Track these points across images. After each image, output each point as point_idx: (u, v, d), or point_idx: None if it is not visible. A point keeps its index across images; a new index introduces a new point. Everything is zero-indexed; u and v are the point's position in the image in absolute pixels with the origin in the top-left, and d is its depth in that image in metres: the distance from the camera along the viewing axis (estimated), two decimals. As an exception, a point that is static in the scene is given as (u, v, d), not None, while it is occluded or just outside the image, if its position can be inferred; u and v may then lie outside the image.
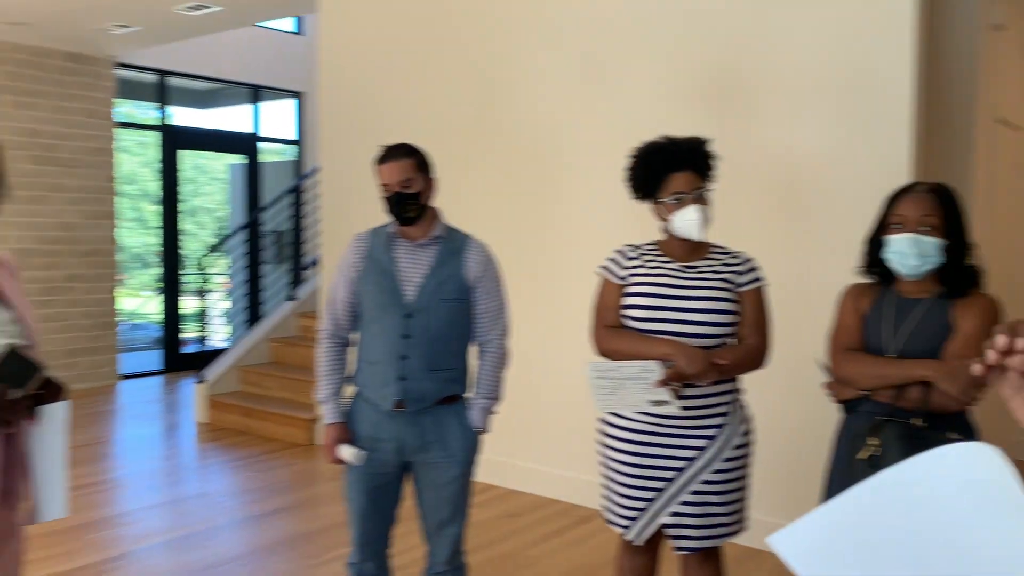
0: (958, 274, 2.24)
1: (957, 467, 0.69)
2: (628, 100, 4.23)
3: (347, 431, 2.61)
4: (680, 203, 2.46)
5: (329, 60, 5.58)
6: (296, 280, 7.52)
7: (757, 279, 2.52)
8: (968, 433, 2.18)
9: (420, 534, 2.71)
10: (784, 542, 0.81)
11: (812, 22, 3.71)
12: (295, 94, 9.34)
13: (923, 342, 2.21)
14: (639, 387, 2.37)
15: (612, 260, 2.60)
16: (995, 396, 2.31)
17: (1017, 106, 5.00)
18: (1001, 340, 0.87)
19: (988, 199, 4.45)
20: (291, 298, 7.18)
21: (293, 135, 9.49)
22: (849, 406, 2.34)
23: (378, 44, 5.31)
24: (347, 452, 2.56)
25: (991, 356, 0.87)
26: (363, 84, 5.39)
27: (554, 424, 4.59)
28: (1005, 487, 0.65)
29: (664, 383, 2.35)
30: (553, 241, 4.55)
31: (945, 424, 2.15)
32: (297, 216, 7.82)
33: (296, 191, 7.75)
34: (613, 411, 2.50)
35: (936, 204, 2.24)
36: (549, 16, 4.54)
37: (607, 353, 2.53)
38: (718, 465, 2.45)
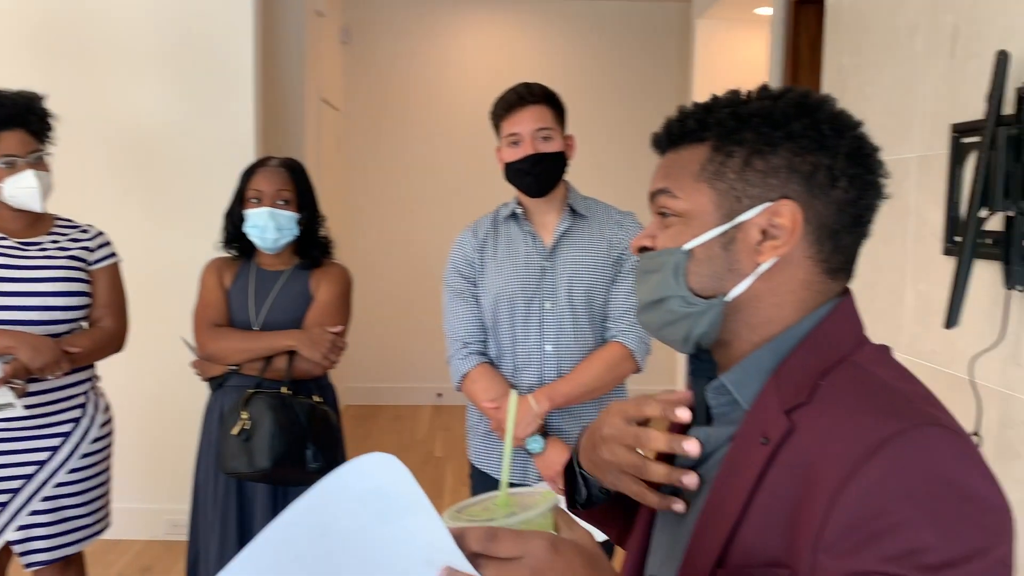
0: (312, 245, 2.38)
1: (359, 479, 0.71)
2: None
3: None
4: (12, 168, 2.11)
5: None
6: None
7: (111, 255, 2.31)
8: (329, 393, 2.36)
9: None
10: None
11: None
12: None
13: (285, 313, 2.30)
14: (-28, 390, 1.98)
15: (-79, 237, 2.10)
16: (348, 356, 2.53)
17: (336, 88, 5.56)
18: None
19: (316, 173, 4.86)
20: None
21: None
22: (217, 382, 2.32)
23: None
24: None
25: None
26: None
27: None
28: (404, 489, 0.70)
29: (5, 382, 2.00)
30: None
31: (308, 388, 2.28)
32: None
33: None
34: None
35: (289, 178, 2.34)
36: None
37: (-78, 353, 2.04)
38: (74, 464, 2.20)
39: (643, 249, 0.89)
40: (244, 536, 2.25)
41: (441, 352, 6.69)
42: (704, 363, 0.87)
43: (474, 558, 0.67)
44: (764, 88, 0.86)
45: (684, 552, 0.81)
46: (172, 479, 3.61)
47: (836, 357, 0.79)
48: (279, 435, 2.11)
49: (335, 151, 5.59)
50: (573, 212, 2.13)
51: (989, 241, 1.54)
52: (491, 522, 0.70)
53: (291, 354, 2.23)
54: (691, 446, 0.81)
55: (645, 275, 0.88)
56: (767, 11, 4.69)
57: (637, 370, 2.11)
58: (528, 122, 2.04)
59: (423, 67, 5.95)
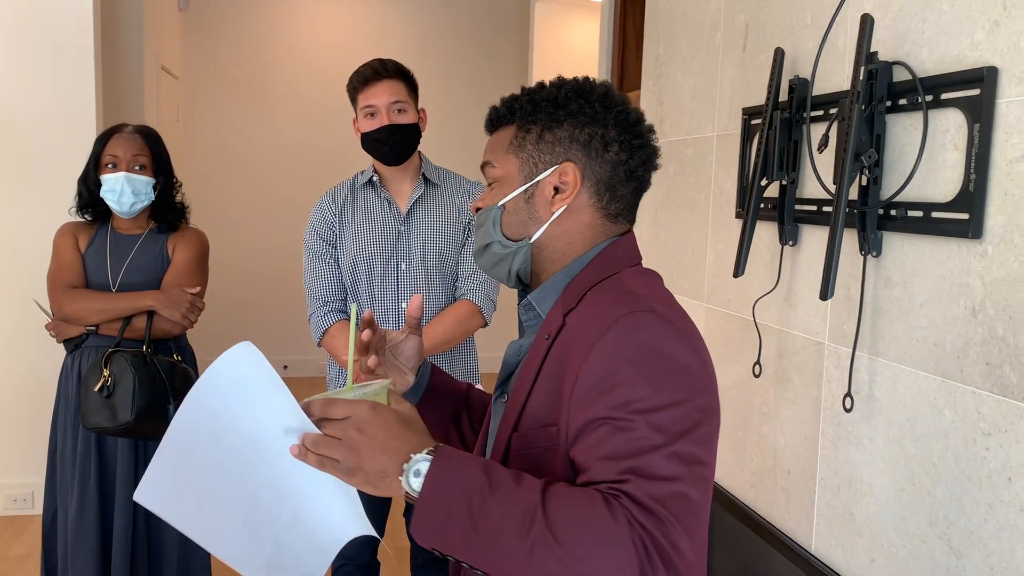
0: (168, 210, 2.45)
1: (229, 369, 0.86)
2: None
3: None
4: None
5: None
6: None
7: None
8: (188, 353, 2.45)
9: None
10: (146, 496, 0.87)
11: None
12: None
13: (142, 275, 2.37)
14: None
15: None
16: (205, 318, 2.61)
17: (174, 55, 5.45)
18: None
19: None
20: None
21: None
22: (73, 344, 2.35)
23: None
24: None
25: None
26: None
27: None
28: (262, 371, 0.87)
29: None
30: None
31: (168, 348, 2.37)
32: None
33: None
34: None
35: (144, 144, 2.40)
36: None
37: None
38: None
39: (478, 209, 1.14)
40: (105, 494, 2.31)
41: (286, 323, 6.75)
42: (525, 295, 1.14)
43: (318, 423, 0.89)
44: (558, 78, 1.11)
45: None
46: (13, 452, 3.54)
47: (604, 276, 1.06)
48: (141, 390, 2.19)
49: (175, 120, 5.48)
50: (426, 180, 2.32)
51: (769, 206, 1.87)
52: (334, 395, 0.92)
53: (150, 314, 2.31)
54: (371, 361, 1.16)
55: (477, 228, 1.13)
56: (599, -2, 5.03)
57: (484, 324, 2.34)
58: (384, 95, 2.21)
59: (264, 36, 5.91)
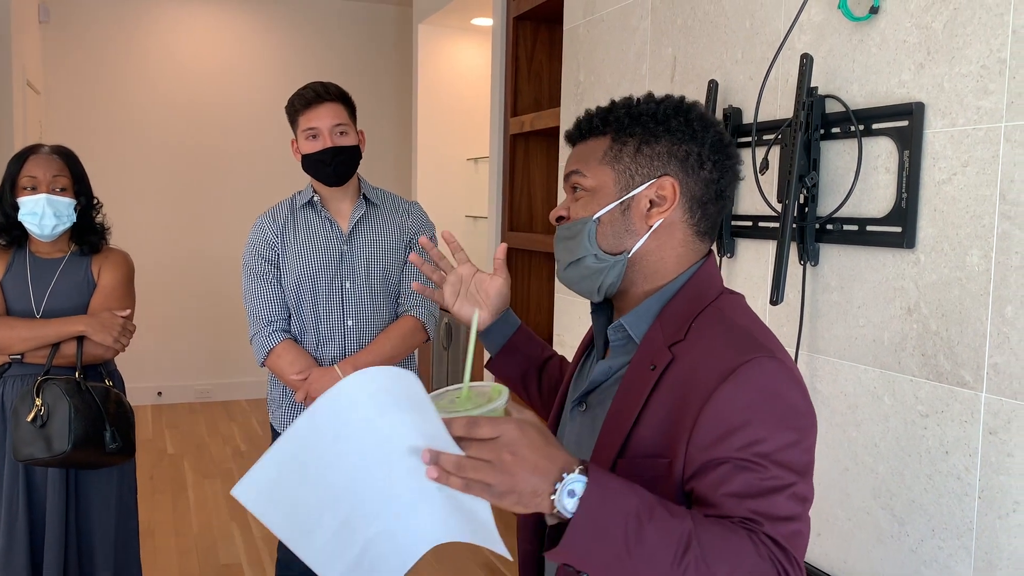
0: (90, 231, 2.37)
1: (378, 380, 0.84)
2: None
3: None
4: None
5: None
6: None
7: None
8: (117, 378, 2.37)
9: None
10: (245, 492, 0.86)
11: None
12: None
13: (68, 299, 2.28)
14: None
15: None
16: (136, 345, 2.51)
17: (36, 70, 5.16)
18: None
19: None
20: None
21: None
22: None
23: None
24: None
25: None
26: None
27: None
28: (412, 391, 0.85)
29: None
30: None
31: (99, 373, 2.29)
32: None
33: None
34: None
35: (64, 165, 2.31)
36: None
37: None
38: None
39: (559, 219, 1.14)
40: (34, 525, 2.21)
41: (160, 349, 6.51)
42: (601, 307, 1.16)
43: (458, 441, 0.88)
44: (649, 95, 1.12)
45: (592, 449, 1.07)
46: None
47: (703, 304, 1.06)
48: (77, 418, 2.12)
49: (38, 138, 5.18)
50: (367, 200, 2.36)
51: (705, 222, 2.06)
52: (470, 412, 0.91)
53: (80, 340, 2.23)
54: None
55: (565, 241, 1.12)
56: (483, 22, 5.19)
57: (427, 339, 2.40)
58: (326, 118, 2.25)
59: (128, 48, 5.68)
